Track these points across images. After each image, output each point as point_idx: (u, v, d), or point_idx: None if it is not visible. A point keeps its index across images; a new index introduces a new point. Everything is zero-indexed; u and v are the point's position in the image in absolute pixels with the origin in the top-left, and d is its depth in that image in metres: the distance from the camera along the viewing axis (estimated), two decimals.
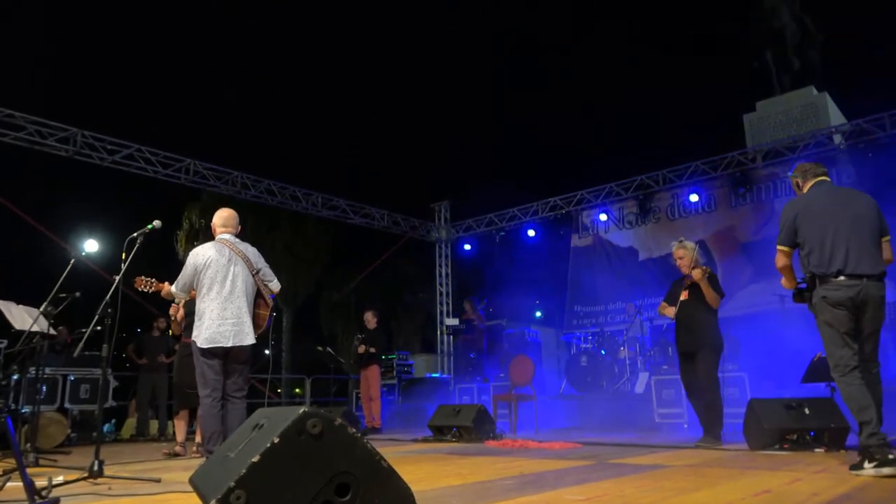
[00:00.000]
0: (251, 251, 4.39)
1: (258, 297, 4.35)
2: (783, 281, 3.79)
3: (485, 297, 10.94)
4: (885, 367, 6.47)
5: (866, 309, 3.38)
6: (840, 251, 3.40)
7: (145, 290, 4.83)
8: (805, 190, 3.75)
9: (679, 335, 5.38)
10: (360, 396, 9.13)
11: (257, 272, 4.35)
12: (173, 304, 5.53)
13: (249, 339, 4.17)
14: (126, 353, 9.06)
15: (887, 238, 3.53)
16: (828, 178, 3.72)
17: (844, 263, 3.38)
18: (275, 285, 4.48)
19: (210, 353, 4.07)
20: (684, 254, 5.40)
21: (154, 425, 8.77)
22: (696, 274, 5.10)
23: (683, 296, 5.34)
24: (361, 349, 8.46)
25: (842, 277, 3.37)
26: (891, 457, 3.05)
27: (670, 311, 5.37)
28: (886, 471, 3.02)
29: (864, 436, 3.19)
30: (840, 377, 3.36)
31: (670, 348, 7.75)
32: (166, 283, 4.75)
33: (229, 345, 4.07)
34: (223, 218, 4.45)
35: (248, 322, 4.19)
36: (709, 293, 5.12)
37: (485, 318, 10.50)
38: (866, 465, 3.11)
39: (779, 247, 3.66)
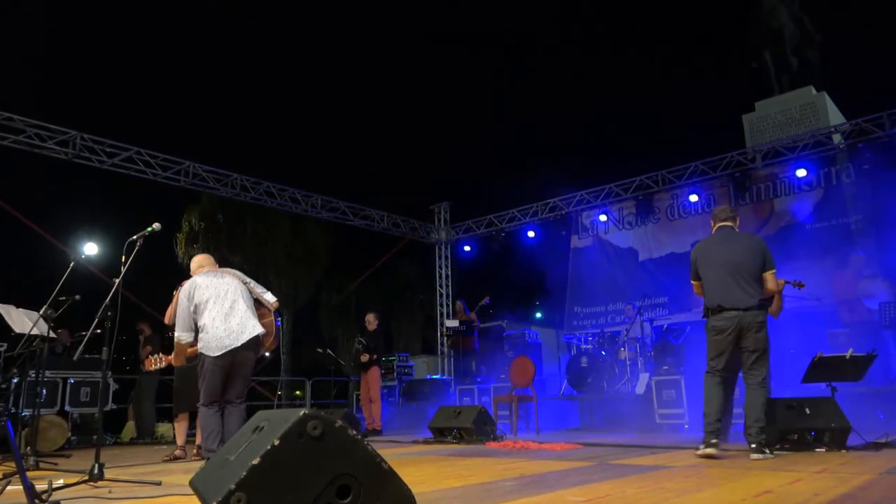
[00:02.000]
0: (236, 271, 4.53)
1: (258, 305, 4.42)
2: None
3: (486, 296, 10.74)
4: (885, 367, 6.53)
5: (745, 334, 4.18)
6: (721, 290, 4.23)
7: (158, 367, 4.90)
8: (713, 231, 4.55)
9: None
10: (360, 398, 9.12)
11: (247, 283, 4.47)
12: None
13: (258, 329, 4.21)
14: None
15: (771, 271, 4.25)
16: (729, 223, 4.49)
17: (724, 299, 4.21)
18: (270, 297, 4.56)
19: (220, 359, 4.10)
20: None
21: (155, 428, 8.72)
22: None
23: None
24: (364, 357, 8.46)
25: (723, 311, 4.20)
26: (713, 441, 4.04)
27: None
28: (709, 450, 4.00)
29: (705, 424, 4.17)
30: (708, 377, 4.35)
31: (671, 349, 7.73)
32: (171, 355, 4.61)
33: (239, 344, 4.10)
34: (198, 261, 4.59)
35: (253, 319, 4.25)
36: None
37: (477, 318, 10.43)
38: (700, 447, 4.07)
39: (692, 281, 4.59)
